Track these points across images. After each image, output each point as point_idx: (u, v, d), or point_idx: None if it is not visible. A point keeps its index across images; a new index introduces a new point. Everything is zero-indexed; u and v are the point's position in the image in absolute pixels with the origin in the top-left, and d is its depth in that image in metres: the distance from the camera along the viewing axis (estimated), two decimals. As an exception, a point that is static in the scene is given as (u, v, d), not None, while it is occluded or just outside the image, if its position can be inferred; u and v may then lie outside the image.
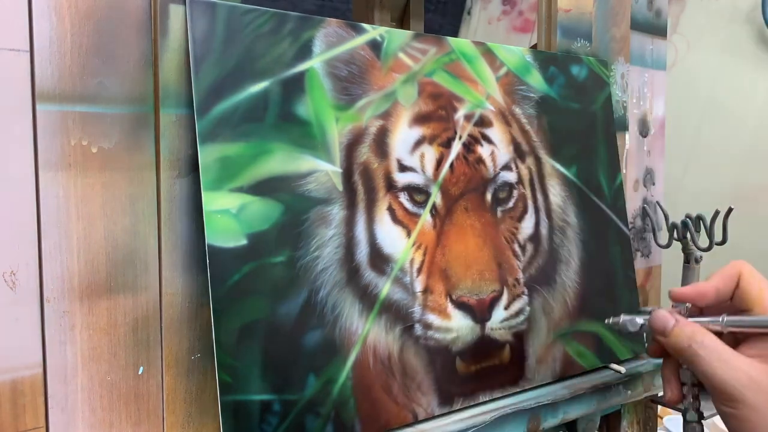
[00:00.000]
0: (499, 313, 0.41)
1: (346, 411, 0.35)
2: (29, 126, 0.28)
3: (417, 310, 0.38)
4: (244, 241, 0.32)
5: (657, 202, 0.58)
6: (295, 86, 0.35)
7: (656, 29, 0.58)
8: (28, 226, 0.28)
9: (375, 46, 0.38)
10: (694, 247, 0.55)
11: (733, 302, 0.34)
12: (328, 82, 0.36)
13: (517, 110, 0.45)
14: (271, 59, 0.34)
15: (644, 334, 0.37)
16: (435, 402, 0.39)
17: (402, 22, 0.54)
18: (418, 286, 0.38)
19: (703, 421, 0.36)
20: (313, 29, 0.36)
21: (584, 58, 0.50)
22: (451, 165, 0.41)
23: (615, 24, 0.54)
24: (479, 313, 0.40)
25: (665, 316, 0.34)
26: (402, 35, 0.40)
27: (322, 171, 0.35)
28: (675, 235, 0.55)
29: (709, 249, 0.54)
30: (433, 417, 0.38)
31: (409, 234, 0.38)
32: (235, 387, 0.31)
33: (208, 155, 0.32)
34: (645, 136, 0.57)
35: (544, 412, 0.42)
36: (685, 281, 0.56)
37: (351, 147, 0.37)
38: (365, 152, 0.37)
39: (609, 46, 0.53)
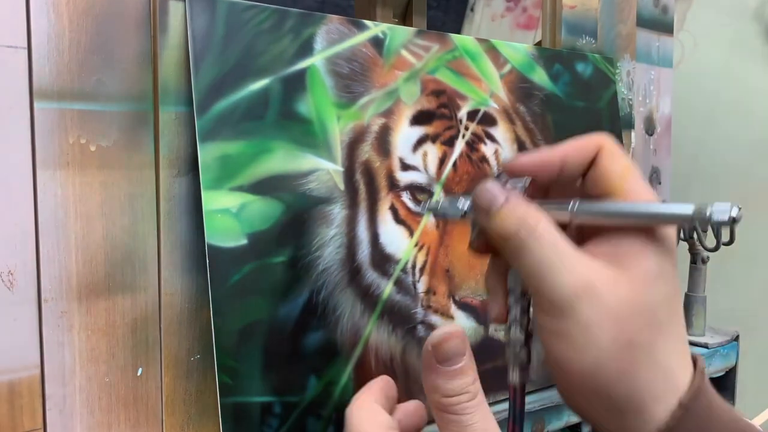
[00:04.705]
0: (502, 314, 0.41)
1: (347, 413, 0.34)
2: (26, 124, 0.28)
3: (420, 311, 0.38)
4: (244, 241, 0.32)
5: (663, 201, 0.57)
6: (296, 84, 0.34)
7: (663, 26, 0.57)
8: (25, 225, 0.28)
9: (377, 43, 0.38)
10: (700, 247, 0.54)
11: (585, 185, 0.26)
12: (329, 79, 0.36)
13: (522, 108, 0.44)
14: (271, 56, 0.34)
15: (471, 225, 0.28)
16: (438, 404, 0.38)
17: (404, 19, 0.54)
18: (421, 286, 0.38)
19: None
20: (314, 26, 0.35)
21: (589, 56, 0.49)
22: (455, 164, 0.40)
23: (621, 20, 0.53)
24: (483, 314, 0.40)
25: (494, 189, 0.25)
26: (404, 32, 0.39)
27: (324, 170, 0.35)
28: (681, 235, 0.54)
29: (716, 249, 0.53)
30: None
31: (411, 234, 0.38)
32: (235, 388, 0.31)
33: (208, 154, 0.31)
34: (651, 135, 0.57)
35: (548, 415, 0.41)
36: (692, 282, 0.55)
37: (353, 145, 0.36)
38: (367, 151, 0.37)
39: (614, 43, 0.53)
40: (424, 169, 0.39)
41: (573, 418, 0.43)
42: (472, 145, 0.41)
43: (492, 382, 0.41)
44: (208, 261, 0.31)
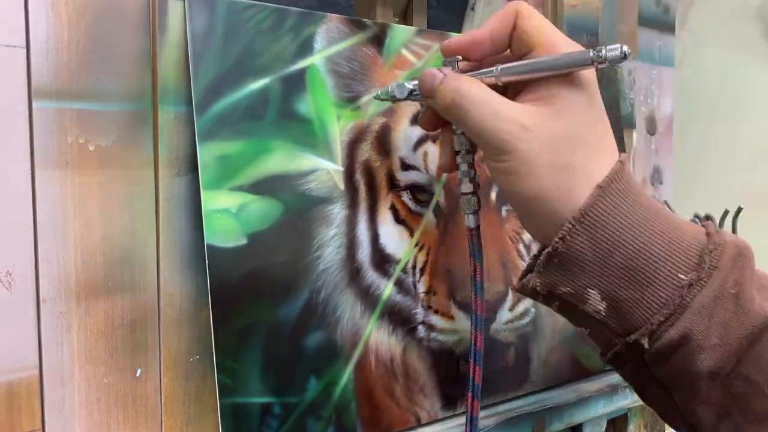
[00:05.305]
0: (503, 315, 0.41)
1: (347, 414, 0.34)
2: (25, 123, 0.28)
3: (420, 311, 0.38)
4: (243, 241, 0.32)
5: (665, 202, 0.57)
6: (295, 83, 0.34)
7: (664, 25, 0.57)
8: (24, 225, 0.28)
9: (377, 42, 0.38)
10: (702, 247, 0.54)
11: (512, 49, 0.30)
12: (329, 78, 0.35)
13: (523, 108, 0.44)
14: (271, 56, 0.33)
15: (420, 107, 0.35)
16: (438, 405, 0.38)
17: (405, 18, 0.54)
18: (422, 287, 0.38)
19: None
20: (314, 25, 0.35)
21: (591, 55, 0.49)
22: (455, 163, 0.40)
23: (622, 19, 0.53)
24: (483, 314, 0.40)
25: (433, 72, 0.30)
26: (405, 31, 0.39)
27: (324, 170, 0.35)
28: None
29: (717, 249, 0.53)
30: (436, 420, 0.38)
31: (412, 234, 0.38)
32: (234, 389, 0.31)
33: (207, 153, 0.31)
34: (653, 134, 0.56)
35: (549, 415, 0.41)
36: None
37: (353, 145, 0.36)
38: (367, 150, 0.37)
39: (616, 41, 0.52)
40: (425, 168, 0.39)
41: (574, 419, 0.43)
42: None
43: (493, 383, 0.40)
44: (207, 261, 0.31)
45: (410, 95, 0.32)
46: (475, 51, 0.30)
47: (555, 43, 0.29)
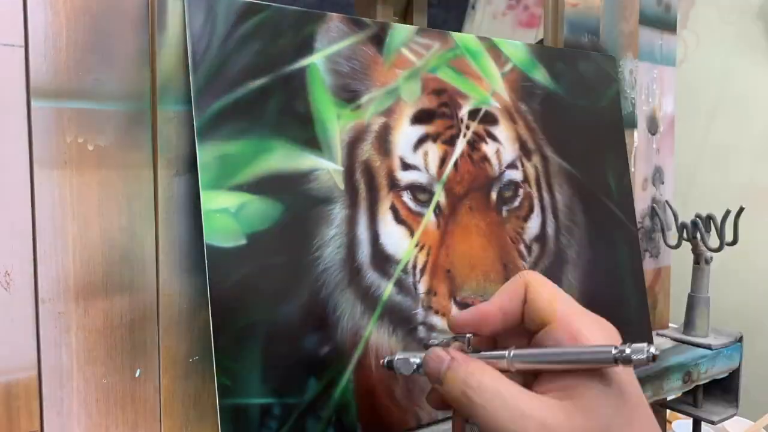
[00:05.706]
0: (504, 315, 0.41)
1: (347, 415, 0.34)
2: (24, 123, 0.28)
3: (420, 311, 0.38)
4: (243, 241, 0.32)
5: (666, 202, 0.57)
6: (295, 82, 0.34)
7: (666, 24, 0.57)
8: (22, 225, 0.28)
9: (377, 41, 0.37)
10: (704, 248, 0.54)
11: (525, 324, 0.28)
12: (329, 78, 0.35)
13: (523, 107, 0.44)
14: (271, 55, 0.33)
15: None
16: (438, 405, 0.38)
17: (405, 17, 0.54)
18: (422, 287, 0.38)
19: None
20: (314, 24, 0.35)
21: (591, 54, 0.49)
22: (455, 163, 0.40)
23: (623, 19, 0.53)
24: (484, 314, 0.39)
25: (439, 355, 0.27)
26: (405, 30, 0.39)
27: (324, 169, 0.35)
28: (685, 235, 0.54)
29: (719, 249, 0.53)
30: (437, 421, 0.38)
31: (412, 234, 0.38)
32: (234, 390, 0.31)
33: (206, 153, 0.31)
34: (654, 134, 0.56)
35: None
36: (695, 283, 0.55)
37: (353, 145, 0.36)
38: (367, 150, 0.36)
39: (617, 41, 0.52)
40: (425, 168, 0.38)
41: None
42: (473, 145, 0.41)
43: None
44: (206, 261, 0.30)
45: (417, 371, 0.29)
46: (485, 327, 0.28)
47: (569, 317, 0.26)
